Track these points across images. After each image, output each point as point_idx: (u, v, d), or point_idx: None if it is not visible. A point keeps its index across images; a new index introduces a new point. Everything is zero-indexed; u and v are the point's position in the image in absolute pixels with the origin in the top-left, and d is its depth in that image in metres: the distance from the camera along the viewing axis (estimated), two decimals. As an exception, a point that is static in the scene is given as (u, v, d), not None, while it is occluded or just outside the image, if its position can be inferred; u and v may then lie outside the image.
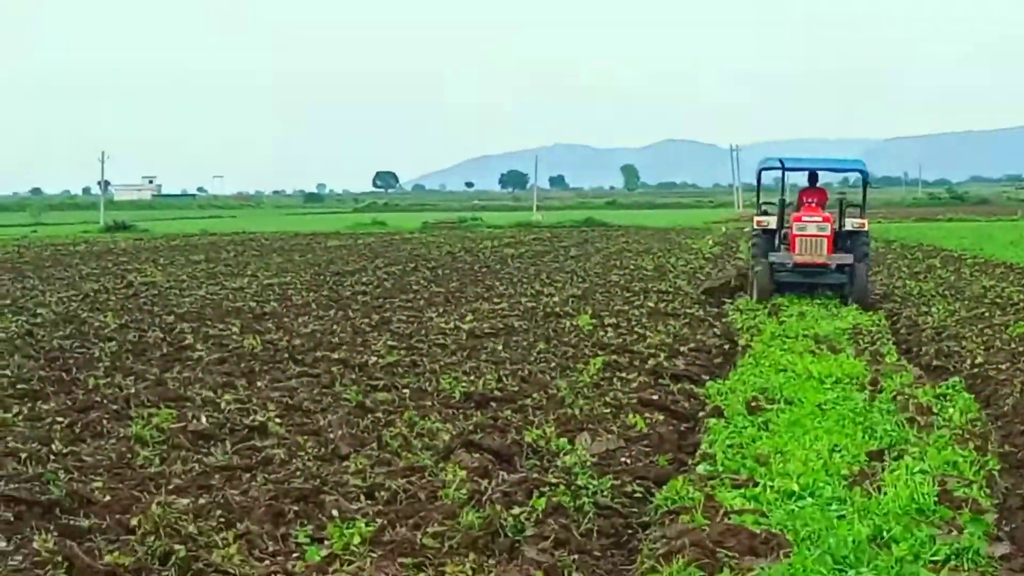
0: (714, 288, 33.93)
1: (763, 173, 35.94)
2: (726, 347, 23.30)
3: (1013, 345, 21.59)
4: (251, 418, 14.70)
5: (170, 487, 11.44)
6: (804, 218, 31.77)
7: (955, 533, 10.10)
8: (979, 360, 20.20)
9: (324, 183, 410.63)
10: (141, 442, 13.30)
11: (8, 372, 17.80)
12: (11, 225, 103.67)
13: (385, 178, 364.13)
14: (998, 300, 29.85)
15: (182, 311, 27.58)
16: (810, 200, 33.52)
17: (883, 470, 12.14)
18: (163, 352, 20.67)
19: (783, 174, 35.20)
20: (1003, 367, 19.21)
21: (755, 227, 33.46)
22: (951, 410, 15.66)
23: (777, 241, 32.64)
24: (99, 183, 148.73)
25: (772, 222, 32.84)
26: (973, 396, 17.31)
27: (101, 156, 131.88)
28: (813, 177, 34.47)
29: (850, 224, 32.49)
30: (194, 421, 14.44)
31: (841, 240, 32.13)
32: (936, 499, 11.05)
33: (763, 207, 34.61)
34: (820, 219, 31.71)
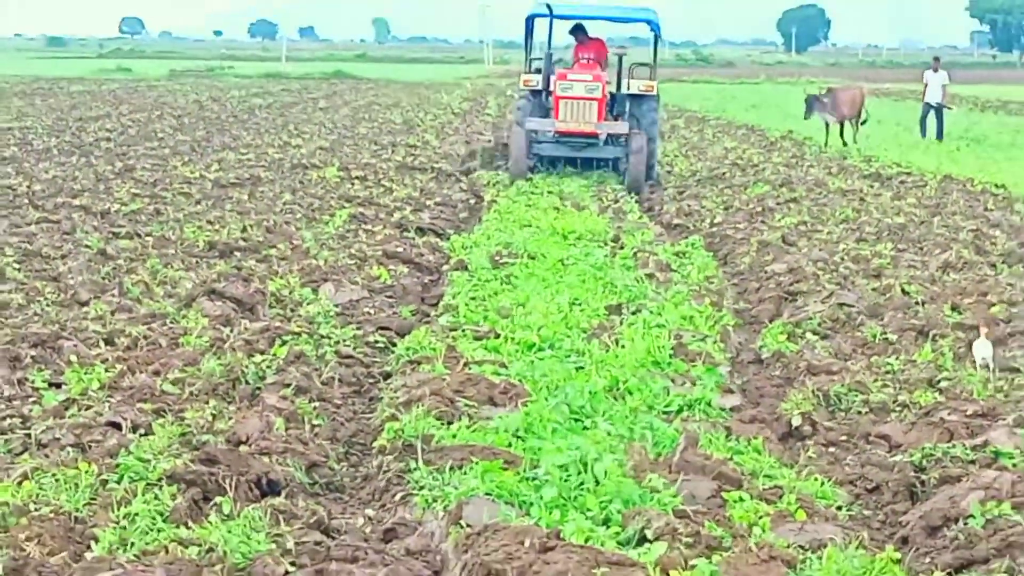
0: (466, 160, 29.67)
1: (534, 22, 29.00)
2: (472, 202, 23.47)
3: (751, 206, 22.13)
4: (-12, 263, 14.41)
5: (-97, 330, 11.20)
6: (570, 76, 26.30)
7: (688, 385, 10.38)
8: (718, 219, 20.68)
9: (68, 27, 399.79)
10: None
11: None
12: None
13: (132, 24, 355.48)
14: (738, 161, 30.52)
15: (-84, 154, 26.78)
16: (586, 56, 27.61)
17: (621, 324, 12.37)
18: None
19: (550, 23, 28.32)
20: (740, 226, 19.70)
21: (521, 87, 28.13)
22: (689, 267, 16.06)
23: (547, 108, 27.00)
24: None
25: (540, 81, 27.24)
26: (711, 254, 17.75)
27: None
28: (578, 27, 28.28)
29: (634, 87, 27.04)
30: (-72, 265, 14.09)
31: (619, 105, 27.21)
32: (672, 352, 11.33)
33: (532, 64, 28.75)
34: (590, 78, 26.16)
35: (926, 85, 40.11)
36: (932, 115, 39.84)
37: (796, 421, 9.76)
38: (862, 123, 37.99)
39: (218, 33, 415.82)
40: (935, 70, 40.11)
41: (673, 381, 10.50)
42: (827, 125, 37.32)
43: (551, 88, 26.68)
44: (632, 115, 26.73)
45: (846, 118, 37.40)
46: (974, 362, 11.31)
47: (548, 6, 27.38)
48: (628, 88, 27.29)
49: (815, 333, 12.72)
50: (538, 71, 27.78)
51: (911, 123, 42.44)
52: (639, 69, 27.99)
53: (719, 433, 9.16)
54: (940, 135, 39.30)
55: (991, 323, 12.97)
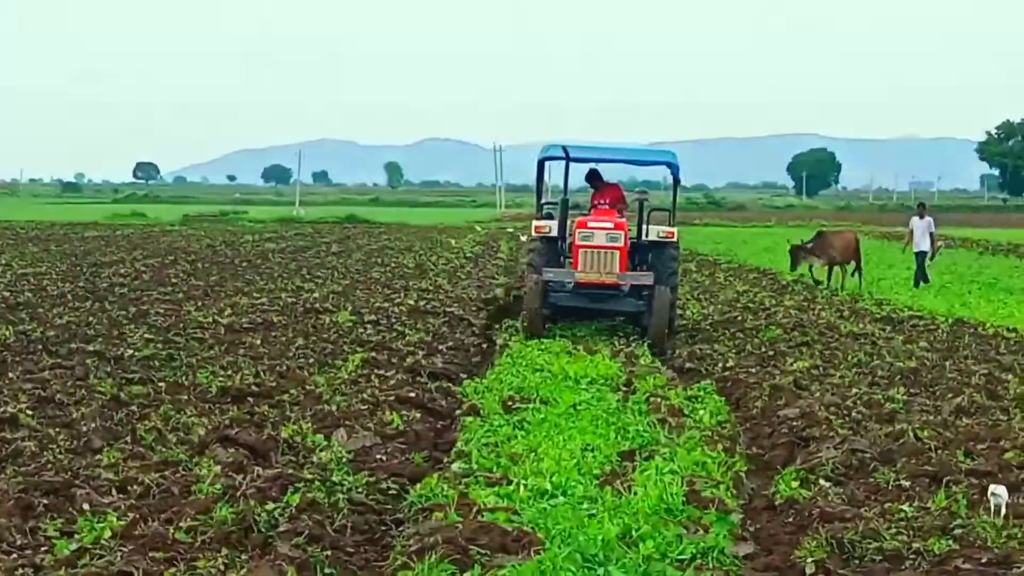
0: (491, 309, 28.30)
1: (545, 165, 27.33)
2: (484, 346, 23.50)
3: (763, 349, 22.18)
4: (2, 409, 14.42)
5: (-84, 479, 11.20)
6: (590, 224, 24.41)
7: (701, 532, 10.35)
8: (730, 363, 20.69)
9: (83, 172, 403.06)
10: None
11: None
12: None
13: (146, 169, 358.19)
14: (750, 305, 30.58)
15: (-68, 299, 26.90)
16: (602, 202, 26.02)
17: (634, 470, 12.37)
18: (-89, 341, 20.12)
19: (567, 167, 26.00)
20: (753, 371, 19.70)
21: (534, 234, 25.89)
22: (701, 412, 16.05)
23: (562, 255, 25.33)
24: None
25: (555, 228, 25.37)
26: (723, 399, 17.73)
27: None
28: (593, 174, 26.87)
29: (653, 233, 25.26)
30: (-58, 412, 14.11)
31: (640, 254, 25.25)
32: (684, 499, 11.32)
33: (545, 209, 27.45)
34: (611, 225, 24.33)
35: (911, 231, 39.87)
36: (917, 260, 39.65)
37: (810, 569, 9.73)
38: (852, 272, 37.49)
39: (232, 178, 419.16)
40: (921, 216, 39.87)
41: (686, 528, 10.48)
42: (811, 269, 37.13)
43: (568, 235, 25.04)
44: (652, 264, 24.92)
45: (836, 262, 37.10)
46: (988, 507, 11.30)
47: (564, 148, 25.83)
48: (647, 235, 25.35)
49: (828, 479, 12.68)
50: (550, 216, 26.29)
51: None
52: (656, 214, 26.55)
53: (733, 583, 9.14)
54: (918, 282, 38.92)
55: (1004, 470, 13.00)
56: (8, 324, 22.58)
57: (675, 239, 25.30)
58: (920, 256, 39.59)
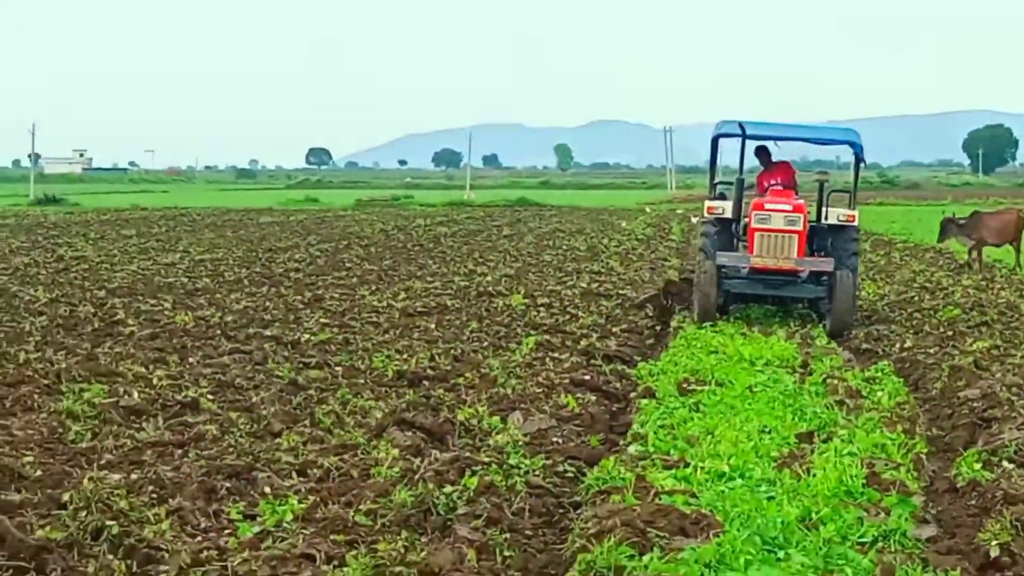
0: (645, 302, 25.28)
1: (720, 142, 25.79)
2: (658, 328, 23.38)
3: (941, 330, 21.80)
4: (183, 394, 14.66)
5: (102, 462, 11.38)
6: (767, 206, 23.09)
7: (882, 515, 10.21)
8: (908, 344, 20.39)
9: (256, 159, 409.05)
10: (72, 417, 13.22)
11: (-63, 345, 17.65)
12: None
13: (318, 155, 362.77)
14: (927, 284, 30.12)
15: (113, 286, 27.48)
16: (774, 182, 24.72)
17: (812, 452, 12.26)
18: (94, 327, 20.55)
19: (742, 144, 24.75)
20: (931, 351, 19.39)
21: (706, 215, 24.62)
22: (880, 393, 15.83)
23: (736, 237, 24.10)
24: (29, 156, 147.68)
25: (729, 209, 24.01)
26: (902, 380, 17.49)
27: (31, 128, 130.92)
28: (763, 150, 25.50)
29: (833, 216, 23.87)
30: (125, 396, 14.33)
31: (819, 238, 23.99)
32: (864, 481, 11.17)
33: (717, 188, 25.65)
34: (790, 208, 23.08)
35: None
36: None
37: (995, 552, 9.53)
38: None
39: (403, 162, 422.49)
40: None
41: (867, 511, 10.34)
42: (969, 251, 35.87)
43: (743, 217, 23.68)
44: (832, 248, 23.63)
45: (987, 244, 35.87)
46: None
47: (740, 125, 24.10)
48: (826, 218, 23.92)
49: (1011, 461, 12.42)
50: (722, 196, 24.77)
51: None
52: (836, 196, 25.33)
53: (916, 565, 9.01)
54: None
55: None
56: (188, 310, 22.95)
57: (855, 222, 23.75)
58: None
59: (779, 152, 25.86)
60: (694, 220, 52.89)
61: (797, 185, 25.16)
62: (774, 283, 23.20)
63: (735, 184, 24.24)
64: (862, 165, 25.72)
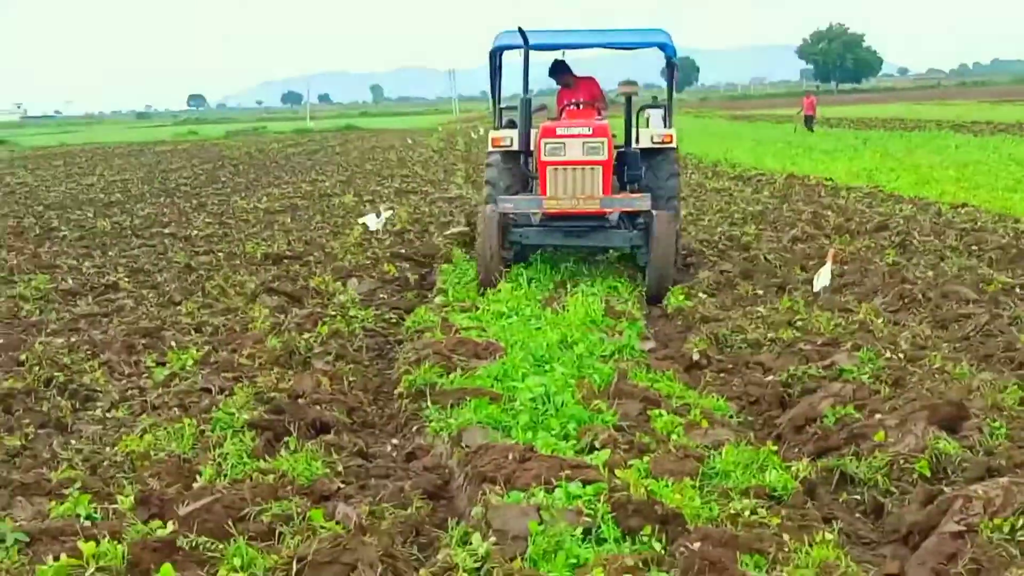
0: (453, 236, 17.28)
1: (501, 58, 14.78)
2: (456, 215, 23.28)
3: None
4: (106, 279, 14.43)
5: (48, 331, 11.18)
6: (560, 131, 13.05)
7: (617, 336, 10.39)
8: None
9: (150, 104, 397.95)
10: (24, 299, 12.97)
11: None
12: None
13: (197, 100, 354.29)
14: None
15: (48, 202, 26.66)
16: (573, 101, 14.67)
17: (566, 295, 12.32)
18: (36, 233, 20.05)
19: (525, 57, 13.75)
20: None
21: (491, 149, 14.32)
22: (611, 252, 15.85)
23: (528, 175, 14.15)
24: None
25: (516, 140, 13.87)
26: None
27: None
28: (560, 67, 14.96)
29: (645, 137, 14.15)
30: (63, 282, 14.11)
31: (631, 168, 14.00)
32: (603, 312, 11.33)
33: (503, 116, 14.90)
34: (589, 130, 12.98)
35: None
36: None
37: (696, 356, 9.78)
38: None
39: (259, 102, 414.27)
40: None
41: (606, 333, 10.50)
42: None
43: (533, 148, 13.60)
44: (647, 180, 14.12)
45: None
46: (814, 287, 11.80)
47: (521, 32, 13.48)
48: (637, 140, 14.16)
49: (705, 292, 12.72)
50: (512, 124, 14.34)
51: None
52: (648, 112, 15.22)
53: (641, 369, 9.19)
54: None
55: (837, 253, 13.24)
56: (105, 217, 22.40)
57: (672, 143, 14.20)
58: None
59: (582, 68, 15.57)
60: (474, 136, 51.69)
61: (606, 104, 15.12)
62: (576, 230, 13.32)
63: (520, 106, 13.97)
64: (676, 70, 15.33)
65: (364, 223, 18.61)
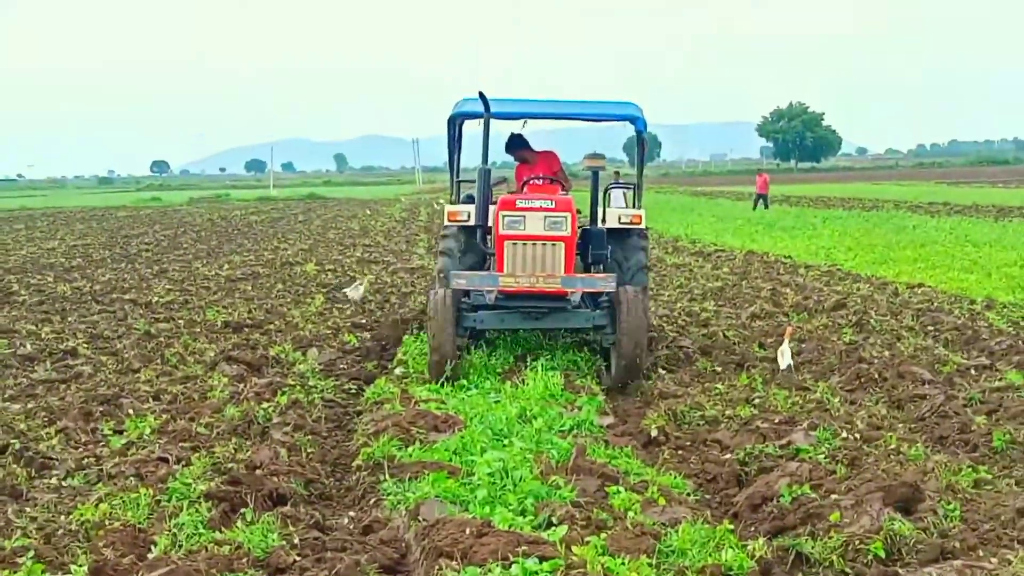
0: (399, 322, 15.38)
1: (461, 127, 14.00)
2: (418, 284, 23.33)
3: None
4: (65, 344, 14.34)
5: (5, 396, 11.12)
6: (520, 203, 11.96)
7: (576, 411, 10.38)
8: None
9: (113, 169, 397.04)
10: (-20, 364, 12.81)
11: None
12: None
13: (160, 165, 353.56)
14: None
15: (8, 266, 26.54)
16: (535, 177, 13.49)
17: (526, 368, 12.29)
18: (-6, 297, 19.86)
19: (486, 124, 12.18)
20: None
21: (447, 223, 13.17)
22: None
23: (486, 252, 12.78)
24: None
25: (475, 214, 12.67)
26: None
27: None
28: (517, 141, 13.94)
29: (613, 217, 13.27)
30: (21, 347, 14.02)
31: (595, 247, 13.05)
32: (563, 387, 11.32)
33: (462, 189, 14.07)
34: (551, 204, 11.93)
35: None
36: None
37: (654, 432, 9.81)
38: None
39: (223, 169, 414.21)
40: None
41: (565, 408, 10.51)
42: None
43: (491, 223, 12.30)
44: (612, 259, 13.23)
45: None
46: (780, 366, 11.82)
47: (483, 97, 11.92)
48: (603, 219, 13.18)
49: (664, 368, 12.77)
50: (471, 199, 13.11)
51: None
52: (617, 191, 14.09)
53: (600, 444, 9.19)
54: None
55: (794, 331, 13.34)
56: (65, 282, 22.30)
57: (641, 224, 13.33)
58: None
59: (540, 142, 14.64)
60: (436, 206, 51.54)
61: (568, 181, 13.82)
62: (533, 314, 12.18)
63: (478, 177, 12.44)
64: (646, 148, 14.21)
65: (346, 293, 18.81)
